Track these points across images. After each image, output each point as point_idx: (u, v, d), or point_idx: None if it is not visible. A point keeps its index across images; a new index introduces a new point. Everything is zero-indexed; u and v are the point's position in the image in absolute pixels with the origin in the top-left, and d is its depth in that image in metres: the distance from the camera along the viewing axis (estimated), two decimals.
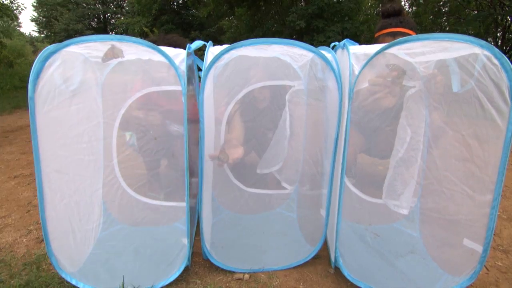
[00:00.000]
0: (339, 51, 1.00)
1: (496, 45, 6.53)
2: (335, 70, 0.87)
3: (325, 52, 0.94)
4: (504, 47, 6.37)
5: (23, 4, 13.86)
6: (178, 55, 0.88)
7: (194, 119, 1.17)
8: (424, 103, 1.08)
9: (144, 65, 0.98)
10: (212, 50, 0.94)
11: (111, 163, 1.22)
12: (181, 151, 0.94)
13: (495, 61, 0.75)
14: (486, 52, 0.75)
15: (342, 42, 0.93)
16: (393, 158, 1.11)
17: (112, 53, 0.89)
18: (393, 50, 0.82)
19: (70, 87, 0.93)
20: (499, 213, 1.55)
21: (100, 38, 0.81)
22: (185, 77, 0.86)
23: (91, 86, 1.04)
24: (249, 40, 0.88)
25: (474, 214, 0.87)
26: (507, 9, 6.03)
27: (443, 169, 0.99)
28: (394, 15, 1.38)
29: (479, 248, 0.85)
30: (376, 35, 1.43)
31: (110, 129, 1.18)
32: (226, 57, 0.91)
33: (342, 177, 0.93)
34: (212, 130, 1.13)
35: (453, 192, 0.95)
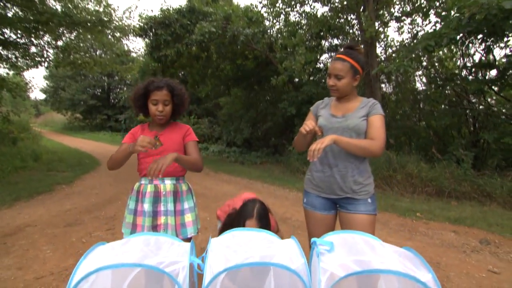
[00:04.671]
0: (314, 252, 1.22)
1: (470, 134, 7.12)
2: (306, 283, 1.08)
3: (298, 258, 1.17)
4: (478, 133, 6.94)
5: (36, 84, 14.93)
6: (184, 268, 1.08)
7: None
8: None
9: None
10: (211, 263, 1.14)
11: None
12: None
13: None
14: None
15: (314, 244, 1.16)
16: None
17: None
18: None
19: None
20: None
21: (128, 265, 1.02)
22: None
23: None
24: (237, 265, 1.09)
25: None
26: (475, 105, 6.77)
27: None
28: (349, 48, 1.66)
29: None
30: None
31: None
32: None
33: None
34: None
35: None
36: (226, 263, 1.12)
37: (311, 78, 9.76)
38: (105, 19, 6.69)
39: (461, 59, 7.24)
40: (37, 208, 4.32)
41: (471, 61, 6.89)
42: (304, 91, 8.33)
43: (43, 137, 13.30)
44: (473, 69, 6.47)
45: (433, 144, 7.00)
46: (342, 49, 1.68)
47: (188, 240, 1.74)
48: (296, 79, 9.20)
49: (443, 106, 7.28)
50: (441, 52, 7.91)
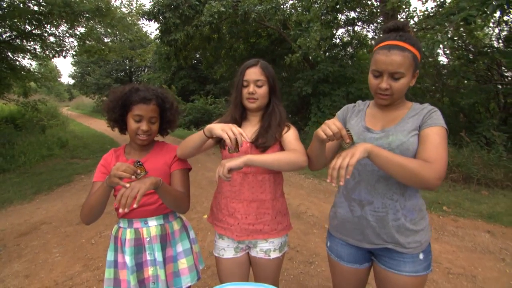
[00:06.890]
0: None
1: (499, 111, 6.48)
2: None
3: None
4: (509, 110, 6.30)
5: (60, 72, 15.57)
6: None
7: None
8: None
9: None
10: None
11: None
12: None
13: None
14: None
15: None
16: None
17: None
18: None
19: None
20: None
21: None
22: None
23: None
24: None
25: None
26: (507, 79, 6.08)
27: None
28: (395, 31, 1.09)
29: None
30: (374, 49, 1.12)
31: None
32: None
33: None
34: None
35: None
36: None
37: (327, 54, 9.24)
38: (103, 7, 6.63)
39: (495, 26, 6.43)
40: (55, 202, 4.57)
41: (509, 29, 6.11)
42: (320, 70, 7.94)
43: (73, 121, 13.93)
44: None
45: (459, 123, 6.49)
46: (387, 33, 1.09)
47: None
48: (310, 57, 8.78)
49: (466, 81, 6.62)
50: None
